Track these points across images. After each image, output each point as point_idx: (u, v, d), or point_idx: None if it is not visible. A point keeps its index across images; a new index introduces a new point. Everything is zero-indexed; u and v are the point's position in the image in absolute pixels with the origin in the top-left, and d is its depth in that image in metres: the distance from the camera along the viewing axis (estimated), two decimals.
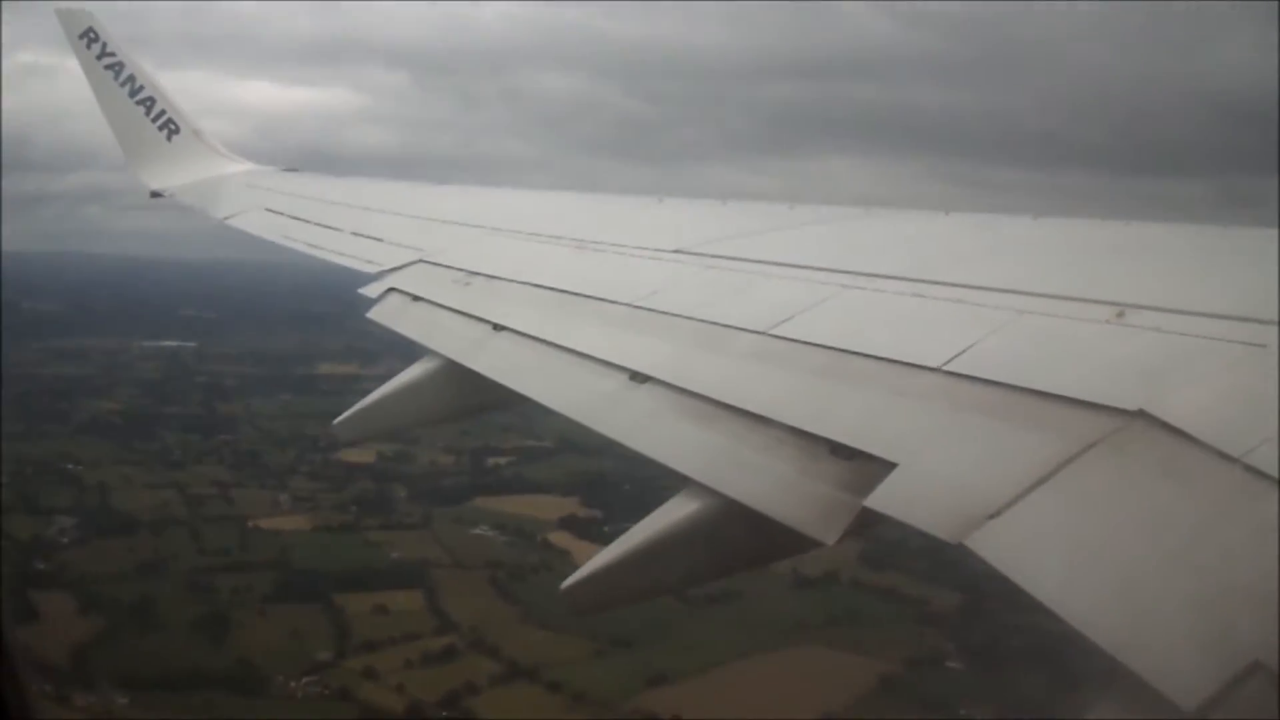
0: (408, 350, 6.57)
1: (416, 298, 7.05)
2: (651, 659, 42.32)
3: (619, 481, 52.84)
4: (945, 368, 3.56)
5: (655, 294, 5.37)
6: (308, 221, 10.98)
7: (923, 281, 4.45)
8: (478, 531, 57.92)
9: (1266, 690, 2.05)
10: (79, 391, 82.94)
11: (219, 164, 15.78)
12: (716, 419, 3.96)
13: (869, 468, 3.25)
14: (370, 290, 7.56)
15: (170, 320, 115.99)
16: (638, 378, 4.50)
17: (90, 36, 15.56)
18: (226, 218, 12.65)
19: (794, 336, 4.26)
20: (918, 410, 3.48)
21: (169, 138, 15.77)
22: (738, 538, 3.72)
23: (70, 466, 65.13)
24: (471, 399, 6.09)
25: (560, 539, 55.44)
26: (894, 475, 3.14)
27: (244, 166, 15.77)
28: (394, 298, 7.26)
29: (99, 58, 15.57)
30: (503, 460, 68.61)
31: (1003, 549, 2.69)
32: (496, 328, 5.82)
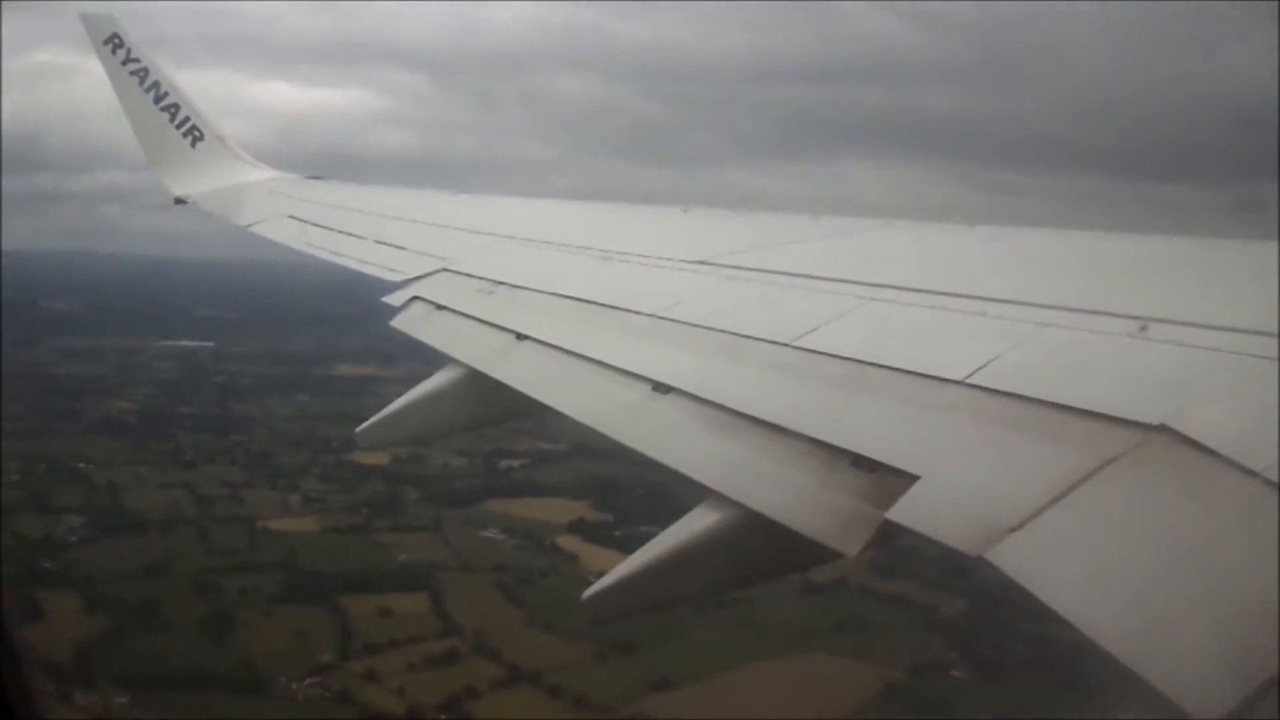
0: (426, 353, 6.61)
1: (440, 306, 7.09)
2: (655, 663, 42.02)
3: (631, 486, 52.68)
4: (967, 380, 3.58)
5: (678, 304, 5.39)
6: (331, 229, 11.02)
7: (945, 294, 4.47)
8: (487, 534, 57.67)
9: None
10: (93, 391, 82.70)
11: (242, 170, 15.80)
12: (739, 430, 3.98)
13: (890, 480, 3.26)
14: (394, 298, 7.60)
15: (188, 320, 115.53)
16: (660, 388, 4.52)
17: (115, 41, 15.56)
18: (250, 225, 12.67)
19: (816, 348, 4.28)
20: (940, 423, 3.50)
21: (193, 144, 15.79)
22: (759, 549, 3.74)
23: (81, 465, 64.92)
24: (494, 407, 6.14)
25: (569, 543, 55.27)
26: (915, 488, 3.15)
27: (267, 173, 15.80)
28: (418, 306, 7.30)
29: (124, 63, 15.57)
30: (515, 463, 68.27)
31: (1023, 562, 2.69)
32: (520, 337, 5.85)
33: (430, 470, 64.85)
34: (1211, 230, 5.17)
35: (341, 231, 10.70)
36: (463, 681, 42.42)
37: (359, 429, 6.45)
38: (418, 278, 7.83)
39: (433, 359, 6.43)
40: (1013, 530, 2.78)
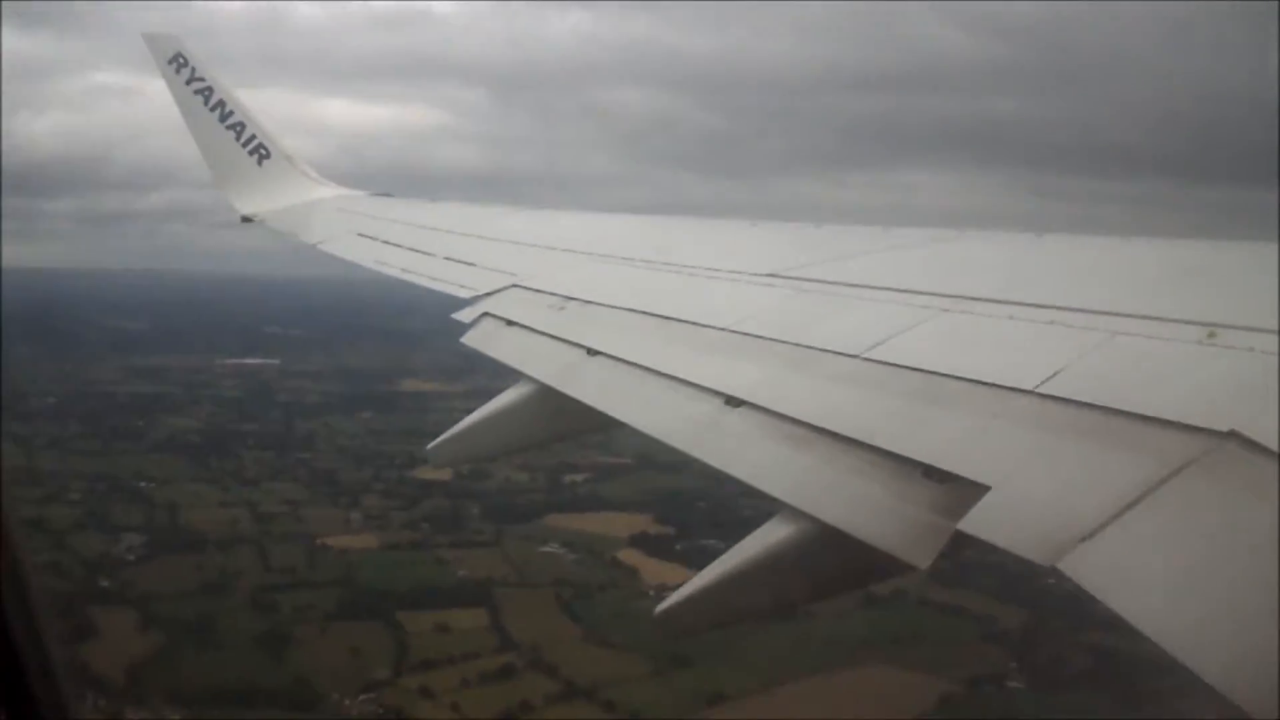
0: (493, 369, 6.64)
1: (510, 322, 7.09)
2: (712, 677, 41.86)
3: (694, 499, 52.56)
4: (1038, 390, 3.57)
5: (749, 318, 5.39)
6: (400, 246, 11.04)
7: (1015, 303, 4.47)
8: (547, 549, 57.70)
9: None
10: (157, 409, 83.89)
11: (309, 188, 15.81)
12: (811, 443, 3.98)
13: (962, 491, 3.27)
14: (463, 315, 7.62)
15: (254, 338, 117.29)
16: (732, 402, 4.51)
17: (179, 61, 15.65)
18: (318, 243, 12.72)
19: (888, 360, 4.28)
20: (1011, 433, 3.48)
21: (259, 162, 15.81)
22: (832, 562, 3.76)
23: (142, 484, 65.74)
24: (565, 423, 6.14)
25: (629, 556, 55.26)
26: (987, 498, 3.16)
27: (334, 191, 15.79)
28: (488, 322, 7.31)
29: (188, 82, 15.64)
30: (579, 477, 68.34)
31: (1095, 572, 2.70)
32: (591, 352, 5.83)
33: (493, 485, 65.21)
34: None
35: (411, 249, 10.70)
36: (518, 697, 42.53)
37: (431, 445, 6.45)
38: (488, 294, 7.85)
39: (500, 375, 6.45)
40: (1084, 540, 2.78)
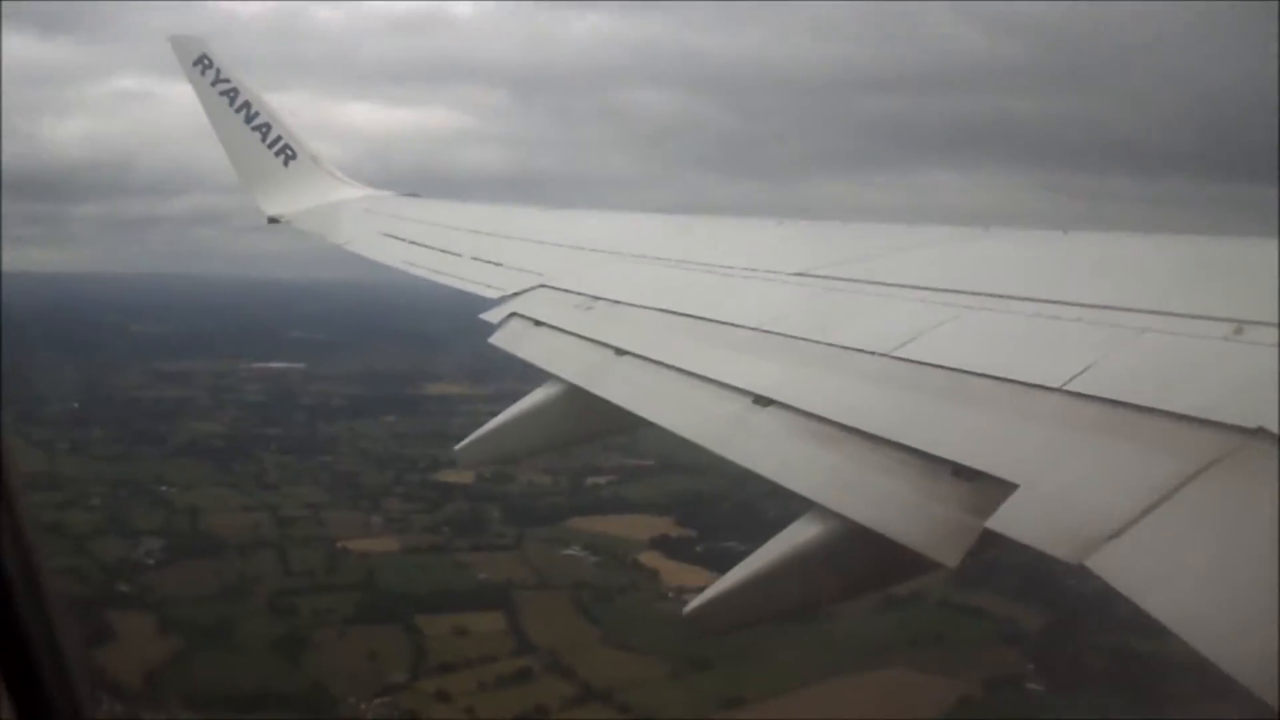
0: (519, 370, 6.66)
1: (538, 323, 7.07)
2: (730, 680, 41.76)
3: (716, 501, 52.40)
4: (1065, 387, 3.57)
5: (777, 317, 5.39)
6: (428, 246, 11.01)
7: (1042, 301, 4.47)
8: (568, 552, 57.64)
9: None
10: (181, 414, 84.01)
11: (336, 189, 15.79)
12: (839, 441, 3.98)
13: (990, 489, 3.26)
14: (491, 315, 7.62)
15: (280, 342, 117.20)
16: (761, 401, 4.50)
17: (205, 63, 15.66)
18: (345, 243, 12.71)
19: (916, 358, 4.27)
20: (1039, 431, 3.49)
21: (285, 163, 15.79)
22: (861, 560, 3.78)
23: (164, 489, 65.82)
24: (593, 423, 6.13)
25: (650, 559, 55.16)
26: (1015, 496, 3.15)
27: (361, 191, 15.76)
28: (515, 322, 7.30)
29: (214, 83, 15.64)
30: (602, 480, 68.16)
31: (1123, 569, 2.70)
32: (619, 352, 5.82)
33: (515, 488, 65.07)
34: None
35: (438, 249, 10.69)
36: (534, 700, 42.54)
37: (459, 446, 6.47)
38: (515, 294, 7.83)
39: (527, 376, 6.45)
40: (1111, 537, 2.78)
